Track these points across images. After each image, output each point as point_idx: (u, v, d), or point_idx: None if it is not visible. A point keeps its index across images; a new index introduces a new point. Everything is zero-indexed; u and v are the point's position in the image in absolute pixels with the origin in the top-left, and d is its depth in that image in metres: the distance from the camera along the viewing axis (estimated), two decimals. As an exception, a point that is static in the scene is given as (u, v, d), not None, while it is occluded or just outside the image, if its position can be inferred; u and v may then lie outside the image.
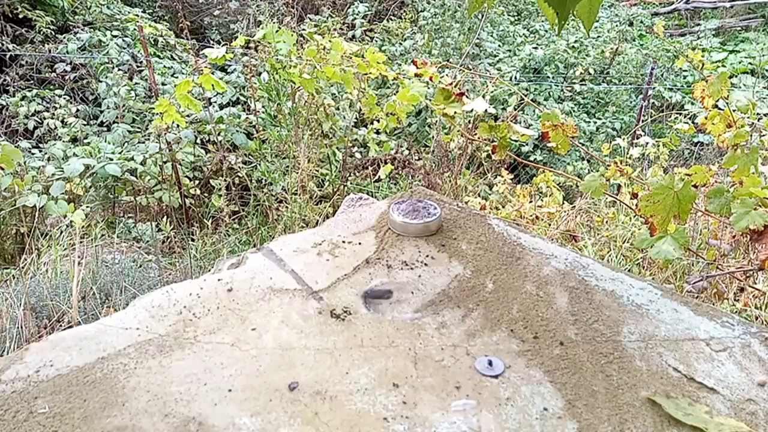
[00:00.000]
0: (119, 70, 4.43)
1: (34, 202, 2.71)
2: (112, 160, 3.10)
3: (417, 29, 5.76)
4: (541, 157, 4.38)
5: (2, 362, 0.62)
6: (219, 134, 3.38)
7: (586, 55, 5.29)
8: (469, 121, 2.73)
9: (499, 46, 5.65)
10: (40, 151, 3.76)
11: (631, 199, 1.65)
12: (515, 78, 4.90)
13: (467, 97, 1.34)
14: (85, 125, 4.21)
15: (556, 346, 0.67)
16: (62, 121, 4.14)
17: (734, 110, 1.50)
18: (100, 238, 2.75)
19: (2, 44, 4.78)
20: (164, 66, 4.55)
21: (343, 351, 0.65)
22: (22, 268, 2.42)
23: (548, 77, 5.03)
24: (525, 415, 0.57)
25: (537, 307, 0.75)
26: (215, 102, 4.25)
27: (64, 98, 4.44)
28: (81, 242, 2.55)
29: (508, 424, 0.55)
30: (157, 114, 1.98)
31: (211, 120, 3.32)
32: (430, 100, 1.49)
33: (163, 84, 4.10)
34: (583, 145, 4.28)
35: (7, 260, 2.87)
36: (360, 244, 0.89)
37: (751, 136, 1.43)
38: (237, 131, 3.43)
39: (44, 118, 4.17)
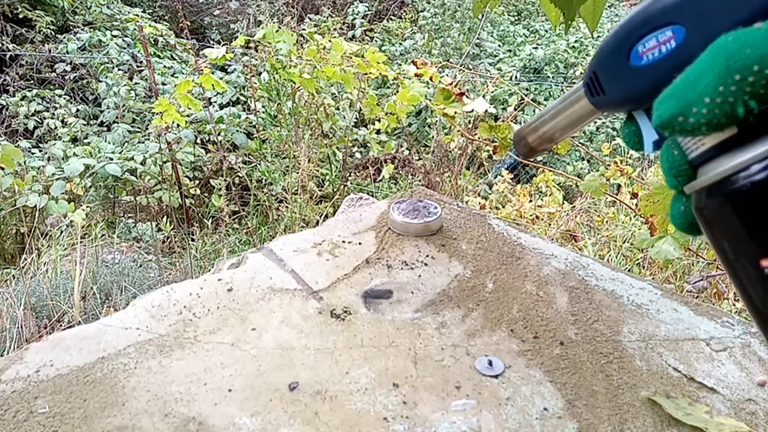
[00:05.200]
0: (119, 70, 4.44)
1: (35, 202, 2.71)
2: (112, 160, 3.10)
3: (417, 29, 5.76)
4: (541, 157, 4.38)
5: (2, 362, 0.62)
6: (219, 134, 3.39)
7: (586, 55, 5.29)
8: (469, 121, 2.73)
9: (499, 46, 5.65)
10: (40, 151, 3.76)
11: (631, 198, 1.65)
12: (515, 78, 4.90)
13: (467, 97, 1.34)
14: (85, 125, 4.21)
15: (556, 346, 0.67)
16: (62, 121, 4.15)
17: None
18: (100, 238, 2.75)
19: (2, 44, 4.78)
20: (164, 66, 4.55)
21: (343, 351, 0.65)
22: (22, 268, 2.42)
23: (548, 77, 5.04)
24: (525, 415, 0.57)
25: (537, 307, 0.75)
26: (215, 102, 4.25)
27: (64, 98, 4.44)
28: (81, 242, 2.55)
29: (508, 424, 0.55)
30: (157, 114, 1.98)
31: (211, 120, 3.32)
32: (430, 100, 1.49)
33: (163, 84, 4.10)
34: (583, 144, 4.28)
35: (7, 260, 2.87)
36: (360, 244, 0.89)
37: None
38: (237, 131, 3.43)
39: (44, 118, 4.17)
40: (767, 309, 0.26)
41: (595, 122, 4.67)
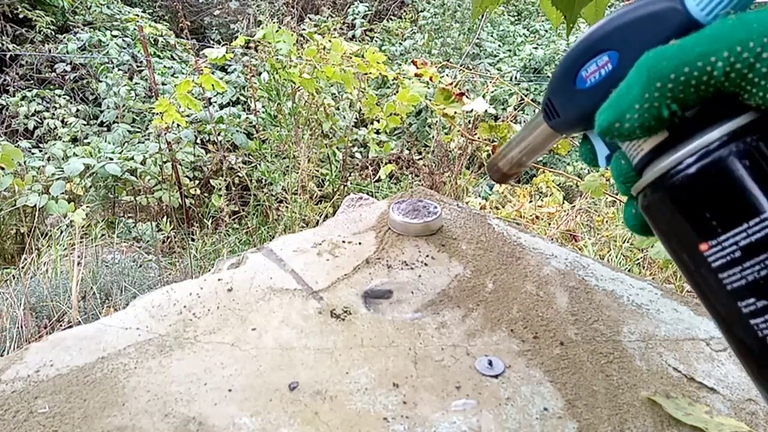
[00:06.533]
0: (119, 70, 4.43)
1: (35, 201, 2.71)
2: (112, 159, 3.10)
3: (417, 29, 5.76)
4: (541, 157, 4.37)
5: (2, 362, 0.62)
6: (219, 134, 3.39)
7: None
8: (469, 121, 2.73)
9: (499, 46, 5.65)
10: (40, 151, 3.76)
11: (631, 199, 1.65)
12: (515, 78, 4.90)
13: (467, 97, 1.34)
14: (85, 125, 4.21)
15: (556, 346, 0.67)
16: (62, 121, 4.15)
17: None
18: (100, 238, 2.75)
19: (2, 44, 4.78)
20: (164, 66, 4.55)
21: (343, 351, 0.65)
22: (22, 268, 2.42)
23: (548, 77, 5.03)
24: (525, 415, 0.57)
25: (537, 307, 0.75)
26: (215, 102, 4.25)
27: (64, 98, 4.44)
28: (81, 242, 2.55)
29: (508, 424, 0.55)
30: (157, 114, 1.98)
31: (211, 120, 3.32)
32: (430, 100, 1.49)
33: (163, 84, 4.10)
34: (583, 145, 4.26)
35: (7, 260, 2.87)
36: (360, 244, 0.89)
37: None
38: (237, 131, 3.43)
39: (44, 118, 4.17)
40: (718, 300, 0.28)
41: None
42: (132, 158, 3.19)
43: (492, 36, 5.78)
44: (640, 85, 0.28)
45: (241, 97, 4.35)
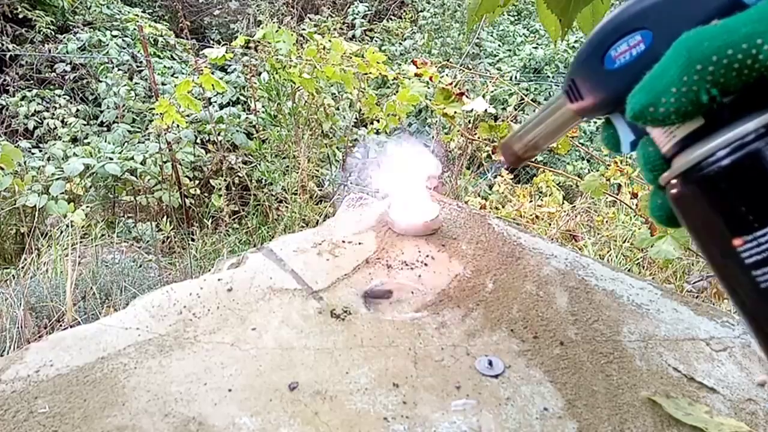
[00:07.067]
0: (119, 70, 4.43)
1: (34, 201, 2.71)
2: (112, 159, 3.10)
3: (417, 29, 5.76)
4: (541, 156, 4.37)
5: (2, 362, 0.62)
6: (219, 134, 3.38)
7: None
8: (469, 121, 2.73)
9: (499, 46, 5.65)
10: (40, 151, 3.76)
11: (631, 198, 1.65)
12: (515, 78, 4.90)
13: (467, 97, 1.34)
14: (85, 125, 4.20)
15: (556, 346, 0.67)
16: (62, 121, 4.14)
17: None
18: (100, 238, 2.75)
19: (2, 44, 4.77)
20: (164, 66, 4.55)
21: (343, 351, 0.65)
22: (22, 268, 2.42)
23: (548, 77, 5.03)
24: (525, 415, 0.57)
25: (537, 307, 0.75)
26: (215, 102, 4.25)
27: (64, 98, 4.44)
28: (81, 242, 2.55)
29: (508, 424, 0.55)
30: (157, 114, 1.98)
31: (211, 120, 3.32)
32: (430, 100, 1.49)
33: (163, 84, 4.10)
34: (582, 144, 4.28)
35: (7, 260, 2.87)
36: (360, 244, 0.89)
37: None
38: (237, 131, 3.43)
39: (44, 118, 4.17)
40: (749, 298, 0.27)
41: (595, 122, 4.67)
42: (132, 158, 3.19)
43: (492, 36, 5.78)
44: (679, 67, 0.26)
45: (241, 97, 4.35)
